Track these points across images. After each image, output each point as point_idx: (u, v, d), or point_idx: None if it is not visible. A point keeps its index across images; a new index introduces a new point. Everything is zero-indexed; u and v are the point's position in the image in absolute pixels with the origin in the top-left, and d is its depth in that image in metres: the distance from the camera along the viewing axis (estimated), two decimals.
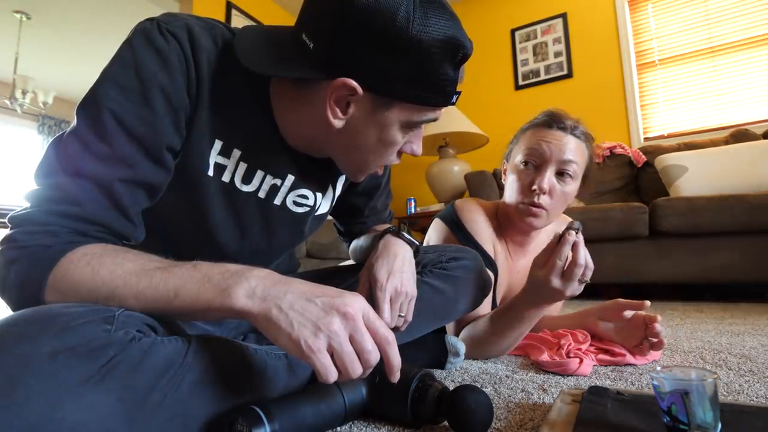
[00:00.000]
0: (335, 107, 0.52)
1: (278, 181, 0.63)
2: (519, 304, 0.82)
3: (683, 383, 0.41)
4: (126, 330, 0.41)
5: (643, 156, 2.52)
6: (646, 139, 2.84)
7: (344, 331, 0.42)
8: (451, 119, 2.97)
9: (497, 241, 1.01)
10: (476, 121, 3.12)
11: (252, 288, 0.43)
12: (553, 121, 0.92)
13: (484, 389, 0.67)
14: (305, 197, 0.67)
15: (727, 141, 2.35)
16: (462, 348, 0.84)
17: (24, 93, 3.93)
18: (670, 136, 2.77)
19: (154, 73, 0.49)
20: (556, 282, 0.74)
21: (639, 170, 2.54)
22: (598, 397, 0.55)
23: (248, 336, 0.72)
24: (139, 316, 0.44)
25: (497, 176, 2.58)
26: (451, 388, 0.53)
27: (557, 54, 3.12)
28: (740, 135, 2.33)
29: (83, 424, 0.35)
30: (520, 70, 3.25)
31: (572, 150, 0.90)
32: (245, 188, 0.61)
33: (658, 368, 0.45)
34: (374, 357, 0.43)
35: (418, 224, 2.96)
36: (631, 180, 2.56)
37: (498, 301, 1.02)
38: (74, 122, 0.49)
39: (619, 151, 2.58)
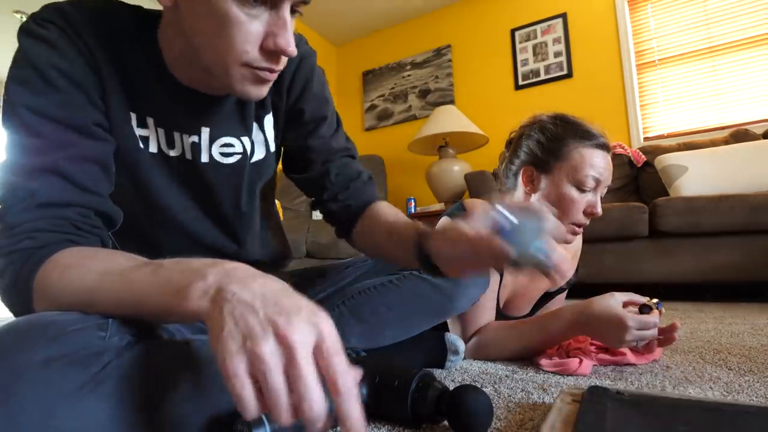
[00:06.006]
0: None
1: (195, 138, 0.62)
2: (564, 318, 0.86)
3: (518, 215, 0.44)
4: (121, 336, 0.41)
5: (643, 156, 2.52)
6: (646, 138, 2.84)
7: (275, 358, 0.32)
8: (451, 119, 2.97)
9: None
10: (476, 121, 3.11)
11: (207, 287, 0.37)
12: (599, 137, 0.93)
13: (484, 389, 0.67)
14: (230, 145, 0.65)
15: (727, 141, 2.35)
16: (462, 346, 0.84)
17: None
18: (669, 136, 2.77)
19: (47, 57, 0.50)
20: (630, 335, 0.77)
21: (639, 170, 2.54)
22: (598, 397, 0.55)
23: None
24: (135, 321, 0.44)
25: (497, 176, 2.57)
26: (451, 388, 0.53)
27: (557, 54, 3.12)
28: (740, 135, 2.33)
29: (79, 431, 0.35)
30: (520, 70, 3.25)
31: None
32: (172, 153, 0.61)
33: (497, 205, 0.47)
34: (315, 407, 0.31)
35: None
36: (631, 180, 2.56)
37: (501, 304, 1.02)
38: (5, 135, 0.50)
39: (619, 150, 2.57)
